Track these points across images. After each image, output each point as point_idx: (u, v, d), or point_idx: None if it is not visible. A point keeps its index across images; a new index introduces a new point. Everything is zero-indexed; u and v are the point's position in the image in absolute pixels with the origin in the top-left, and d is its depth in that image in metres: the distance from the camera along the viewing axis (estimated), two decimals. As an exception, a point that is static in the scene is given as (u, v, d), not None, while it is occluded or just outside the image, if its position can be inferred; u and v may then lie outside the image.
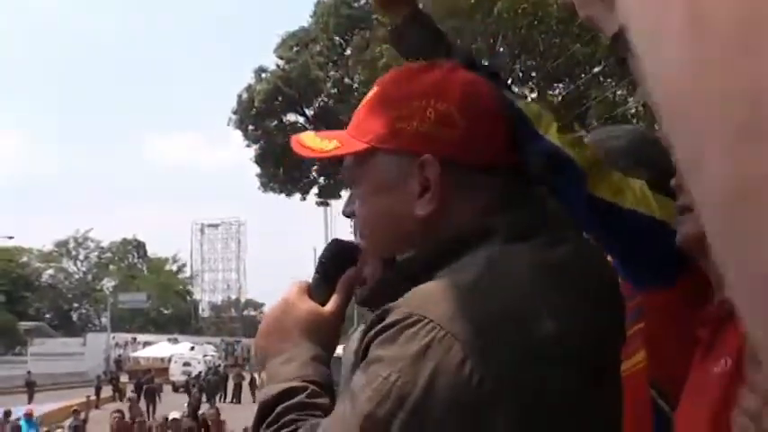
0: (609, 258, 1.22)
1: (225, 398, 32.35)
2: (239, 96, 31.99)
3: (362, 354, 0.90)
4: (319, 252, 1.22)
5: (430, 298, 0.87)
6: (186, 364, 40.57)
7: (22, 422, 17.97)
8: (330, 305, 1.09)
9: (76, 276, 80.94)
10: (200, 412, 14.40)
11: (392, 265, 1.02)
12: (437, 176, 0.97)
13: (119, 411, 12.96)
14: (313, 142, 1.07)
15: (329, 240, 1.18)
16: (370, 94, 1.07)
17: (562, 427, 0.86)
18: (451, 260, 0.93)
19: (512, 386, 0.83)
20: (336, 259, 1.12)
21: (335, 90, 30.54)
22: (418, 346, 0.84)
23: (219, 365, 41.14)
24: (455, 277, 0.90)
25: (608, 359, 0.94)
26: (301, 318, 1.07)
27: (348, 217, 1.10)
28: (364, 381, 0.86)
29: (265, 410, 0.99)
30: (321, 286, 1.11)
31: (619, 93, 20.39)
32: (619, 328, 0.98)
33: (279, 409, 0.97)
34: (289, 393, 0.98)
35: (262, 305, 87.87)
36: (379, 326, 0.88)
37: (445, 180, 0.97)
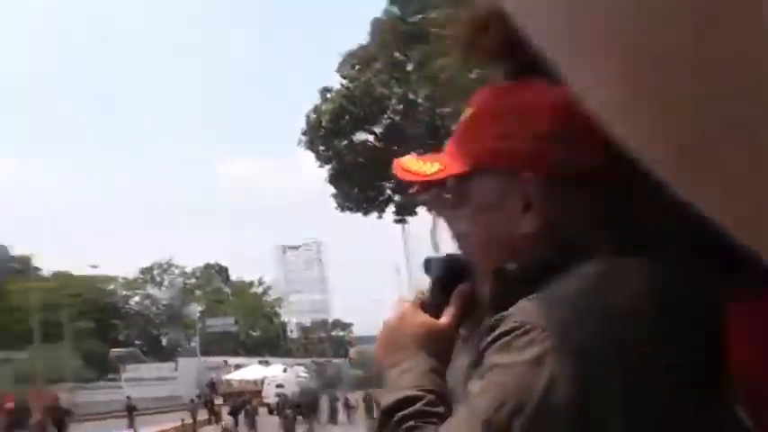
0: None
1: (319, 419, 32.58)
2: (307, 117, 32.18)
3: (478, 362, 0.92)
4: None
5: (542, 307, 0.89)
6: (279, 385, 41.03)
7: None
8: (444, 317, 1.11)
9: (163, 302, 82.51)
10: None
11: (501, 276, 1.02)
12: (539, 193, 0.98)
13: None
14: (415, 166, 1.10)
15: (428, 257, 1.18)
16: (466, 114, 1.08)
17: None
18: (558, 272, 0.93)
19: (623, 399, 0.84)
20: (449, 275, 1.14)
21: (401, 106, 30.56)
22: (533, 354, 0.85)
23: (313, 386, 41.44)
24: (565, 287, 0.90)
25: (709, 377, 0.90)
26: (417, 330, 1.10)
27: (453, 241, 1.10)
28: (481, 388, 0.88)
29: (385, 418, 1.03)
30: (434, 302, 1.13)
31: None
32: (715, 345, 0.92)
33: (398, 416, 1.01)
34: (408, 401, 1.02)
35: (349, 325, 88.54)
36: (494, 334, 0.90)
37: (547, 195, 0.98)
